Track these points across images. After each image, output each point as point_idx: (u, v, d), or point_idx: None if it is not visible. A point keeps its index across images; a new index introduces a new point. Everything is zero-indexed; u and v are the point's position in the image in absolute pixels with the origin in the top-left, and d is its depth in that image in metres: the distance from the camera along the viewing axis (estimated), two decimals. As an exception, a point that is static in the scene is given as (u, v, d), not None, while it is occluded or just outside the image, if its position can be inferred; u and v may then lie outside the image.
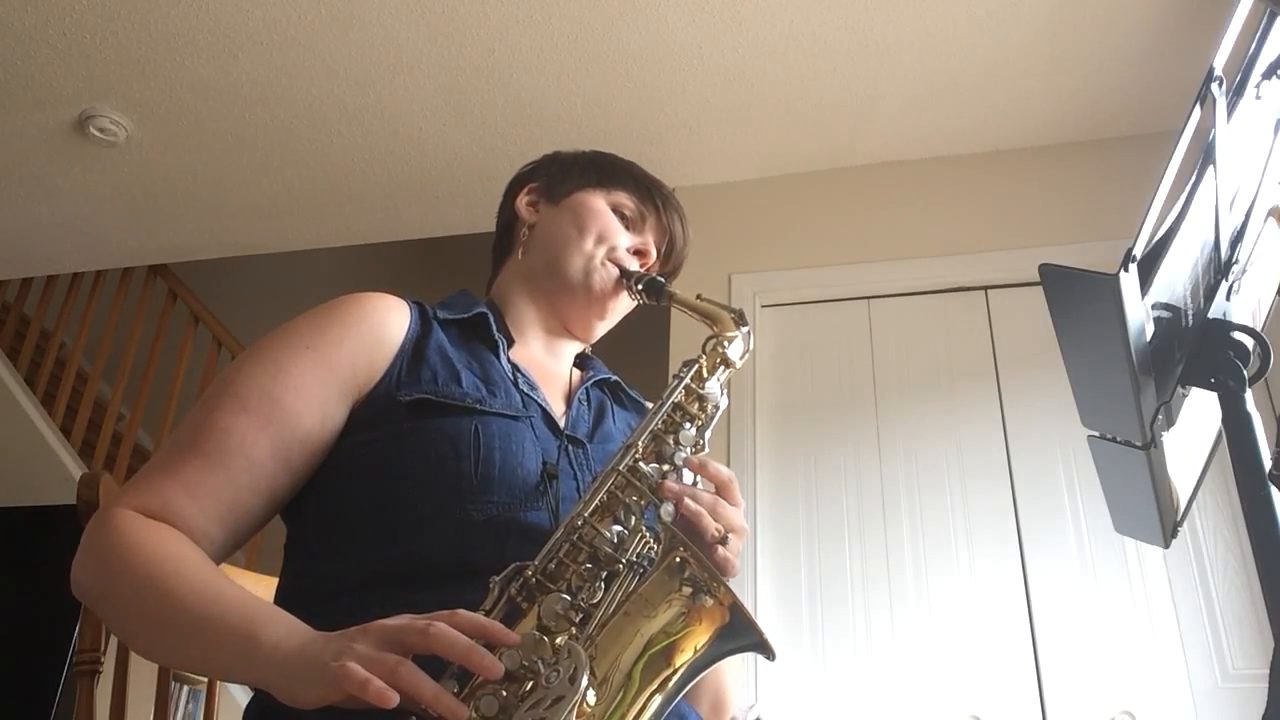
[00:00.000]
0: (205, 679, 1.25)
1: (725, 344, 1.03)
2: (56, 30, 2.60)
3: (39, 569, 3.47)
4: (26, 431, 4.09)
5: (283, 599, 0.94)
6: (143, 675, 1.12)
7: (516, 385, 1.02)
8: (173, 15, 2.55)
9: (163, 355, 4.41)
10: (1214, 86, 0.74)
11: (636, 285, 1.11)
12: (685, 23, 2.55)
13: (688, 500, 0.88)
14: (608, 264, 1.12)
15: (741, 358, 1.05)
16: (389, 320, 1.01)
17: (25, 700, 3.23)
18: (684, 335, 2.84)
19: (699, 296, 1.08)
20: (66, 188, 3.26)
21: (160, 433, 4.20)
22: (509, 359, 1.06)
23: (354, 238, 3.57)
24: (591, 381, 1.14)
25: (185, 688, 2.79)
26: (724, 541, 0.89)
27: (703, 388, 0.99)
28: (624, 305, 1.16)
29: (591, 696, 0.70)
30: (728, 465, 1.15)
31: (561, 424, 1.03)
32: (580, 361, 1.20)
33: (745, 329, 1.05)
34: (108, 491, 1.06)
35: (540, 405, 1.02)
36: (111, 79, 2.77)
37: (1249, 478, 0.69)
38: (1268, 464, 0.69)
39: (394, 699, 0.65)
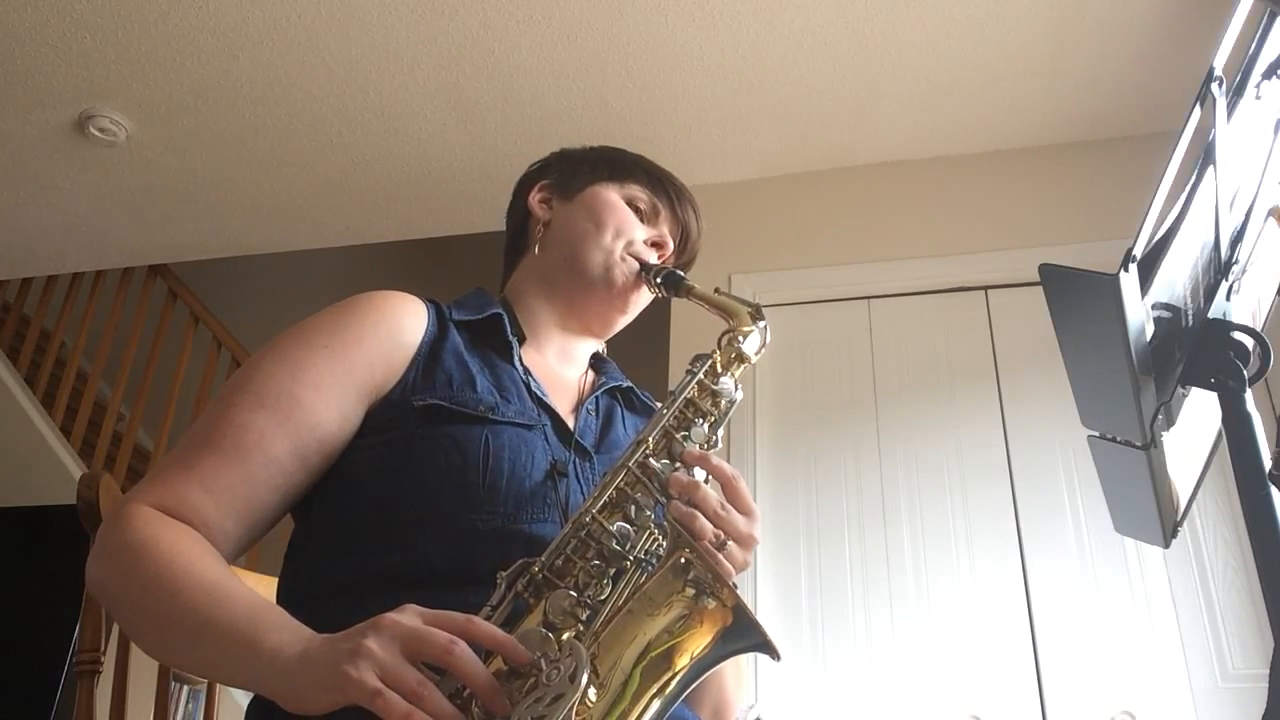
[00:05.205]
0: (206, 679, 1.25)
1: (740, 339, 1.03)
2: (56, 30, 2.60)
3: (39, 569, 3.48)
4: (26, 431, 4.09)
5: (282, 596, 0.93)
6: (143, 675, 1.12)
7: (529, 389, 1.02)
8: (173, 15, 2.55)
9: (163, 355, 4.40)
10: (1214, 86, 0.74)
11: (655, 279, 1.10)
12: (685, 23, 2.54)
13: (676, 502, 0.85)
14: (628, 258, 1.11)
15: (757, 353, 1.04)
16: (406, 321, 1.00)
17: (25, 700, 3.23)
18: (685, 331, 2.84)
19: (716, 290, 1.08)
20: (66, 188, 3.26)
21: (160, 433, 4.19)
22: (522, 363, 1.05)
23: (354, 238, 3.57)
24: (602, 389, 1.13)
25: (185, 688, 2.79)
26: (721, 547, 0.85)
27: (716, 383, 0.98)
28: (644, 299, 1.15)
29: (592, 694, 0.70)
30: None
31: (570, 426, 1.03)
32: (595, 363, 1.19)
33: (762, 324, 1.04)
34: (107, 491, 1.06)
35: (552, 412, 1.02)
36: (111, 79, 2.77)
37: (1249, 478, 0.69)
38: (1268, 464, 0.69)
39: None
